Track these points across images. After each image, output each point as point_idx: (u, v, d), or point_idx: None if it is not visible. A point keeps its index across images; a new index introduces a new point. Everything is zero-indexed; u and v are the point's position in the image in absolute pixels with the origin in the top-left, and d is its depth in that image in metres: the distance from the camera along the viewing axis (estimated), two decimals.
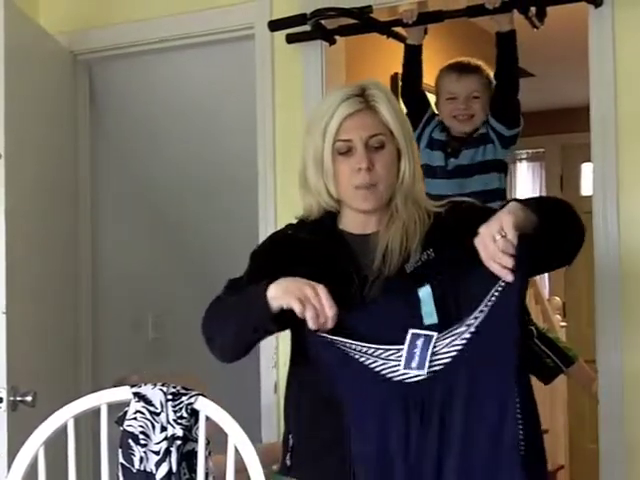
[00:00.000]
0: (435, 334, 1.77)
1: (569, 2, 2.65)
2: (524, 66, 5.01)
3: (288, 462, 1.97)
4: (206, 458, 1.99)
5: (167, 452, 1.98)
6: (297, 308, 1.76)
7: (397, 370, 1.78)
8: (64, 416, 2.02)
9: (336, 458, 1.86)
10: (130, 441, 2.00)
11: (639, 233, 2.61)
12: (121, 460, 2.00)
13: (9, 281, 2.82)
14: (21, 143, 2.98)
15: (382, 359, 1.79)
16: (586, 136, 2.70)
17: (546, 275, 6.70)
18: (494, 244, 1.67)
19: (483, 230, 1.70)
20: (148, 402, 2.01)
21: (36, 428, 2.02)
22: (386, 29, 2.95)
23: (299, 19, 2.90)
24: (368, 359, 1.79)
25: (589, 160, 2.71)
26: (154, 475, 1.98)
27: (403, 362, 1.77)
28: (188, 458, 2.01)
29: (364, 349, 1.80)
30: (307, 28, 2.91)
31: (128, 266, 3.83)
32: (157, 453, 1.99)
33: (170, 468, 1.98)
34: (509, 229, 1.67)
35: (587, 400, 3.13)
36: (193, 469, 2.00)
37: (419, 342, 1.78)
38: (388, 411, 1.77)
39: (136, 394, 2.03)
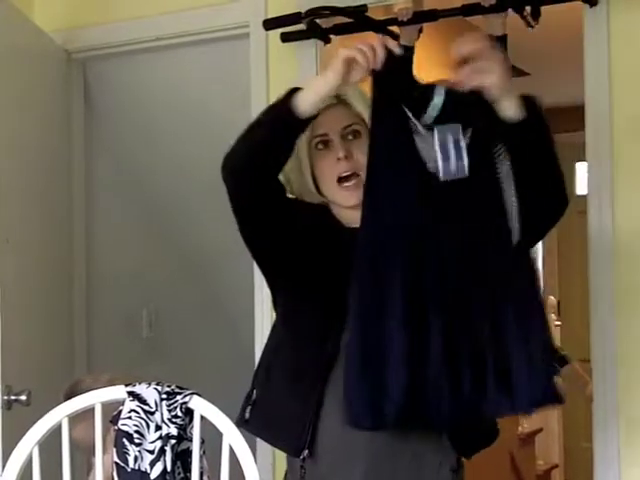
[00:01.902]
0: (459, 125, 1.83)
1: (564, 1, 2.65)
2: (519, 65, 5.03)
3: (247, 415, 2.03)
4: (201, 457, 1.99)
5: (162, 451, 1.98)
6: (346, 60, 1.77)
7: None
8: (58, 415, 2.02)
9: (296, 427, 1.93)
10: (125, 440, 1.99)
11: (634, 232, 2.61)
12: (116, 459, 2.00)
13: (2, 280, 2.82)
14: (14, 141, 2.97)
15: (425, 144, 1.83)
16: (581, 135, 2.70)
17: (540, 274, 6.71)
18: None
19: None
20: (142, 401, 2.01)
21: (30, 427, 2.02)
22: (381, 28, 2.94)
23: (294, 18, 2.90)
24: (419, 140, 1.83)
25: (584, 159, 2.71)
26: (149, 474, 1.98)
27: (441, 169, 1.82)
28: (183, 457, 2.01)
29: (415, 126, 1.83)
30: (302, 27, 2.91)
31: (123, 264, 3.83)
32: (152, 452, 1.98)
33: (165, 467, 1.98)
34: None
35: (581, 400, 3.12)
36: (188, 468, 2.00)
37: (449, 142, 1.82)
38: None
39: (130, 393, 2.02)
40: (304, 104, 1.81)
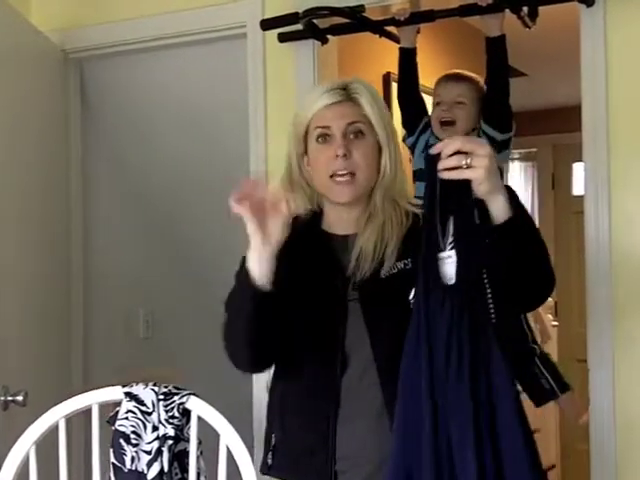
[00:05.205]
0: None
1: (561, 2, 2.65)
2: (516, 66, 5.04)
3: (269, 461, 1.98)
4: (198, 458, 1.99)
5: (159, 452, 1.98)
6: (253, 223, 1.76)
7: None
8: (55, 416, 2.02)
9: (319, 459, 1.88)
10: (122, 441, 2.00)
11: (630, 232, 2.61)
12: (113, 460, 2.00)
13: None
14: (11, 140, 2.97)
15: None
16: (578, 136, 2.70)
17: None
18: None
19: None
20: (140, 402, 2.01)
21: (27, 428, 2.02)
22: (378, 28, 2.94)
23: (291, 18, 2.90)
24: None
25: (581, 160, 2.71)
26: (145, 475, 1.98)
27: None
28: (180, 458, 2.01)
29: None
30: (299, 27, 2.91)
31: (120, 265, 3.83)
32: (149, 453, 1.98)
33: (162, 468, 1.98)
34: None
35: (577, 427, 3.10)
36: (185, 469, 2.00)
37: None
38: None
39: (128, 394, 2.02)
40: (254, 273, 1.80)
